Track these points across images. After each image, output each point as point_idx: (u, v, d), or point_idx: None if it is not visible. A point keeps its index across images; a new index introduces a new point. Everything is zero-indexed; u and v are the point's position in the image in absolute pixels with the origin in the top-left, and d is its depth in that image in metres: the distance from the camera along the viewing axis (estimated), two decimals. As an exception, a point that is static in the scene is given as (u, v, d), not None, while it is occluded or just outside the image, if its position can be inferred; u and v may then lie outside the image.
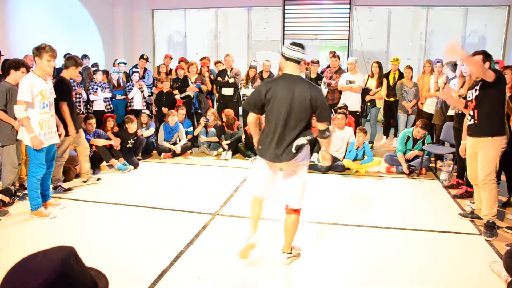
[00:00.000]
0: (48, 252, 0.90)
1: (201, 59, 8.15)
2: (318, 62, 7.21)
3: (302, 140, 2.83)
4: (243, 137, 6.72)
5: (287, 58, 2.86)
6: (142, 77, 7.84)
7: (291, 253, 3.09)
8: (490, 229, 3.58)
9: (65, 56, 7.35)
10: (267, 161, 2.91)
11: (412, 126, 6.42)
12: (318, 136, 2.94)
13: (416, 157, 5.64)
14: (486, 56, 3.68)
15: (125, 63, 8.00)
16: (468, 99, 3.81)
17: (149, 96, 7.85)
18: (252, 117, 2.96)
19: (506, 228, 3.69)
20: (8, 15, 7.41)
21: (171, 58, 8.63)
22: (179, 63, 8.32)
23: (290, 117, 2.79)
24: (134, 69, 7.67)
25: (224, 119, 6.87)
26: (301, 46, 2.87)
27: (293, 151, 2.82)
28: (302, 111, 2.80)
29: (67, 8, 8.83)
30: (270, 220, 3.96)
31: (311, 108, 2.81)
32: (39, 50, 3.76)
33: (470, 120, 3.76)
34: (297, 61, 2.87)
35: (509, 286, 2.66)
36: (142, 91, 7.35)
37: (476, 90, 3.67)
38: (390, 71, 7.44)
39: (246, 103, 2.96)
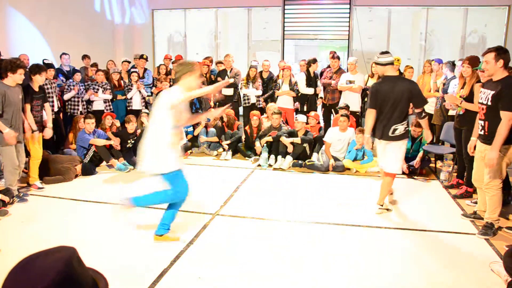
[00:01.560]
0: (50, 252, 0.90)
1: (204, 59, 8.18)
2: (315, 60, 7.21)
3: (398, 127, 3.88)
4: (243, 137, 6.71)
5: (384, 64, 3.91)
6: (142, 77, 7.84)
7: (382, 205, 4.13)
8: (486, 228, 3.58)
9: (61, 55, 7.37)
10: (377, 139, 4.03)
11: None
12: (417, 117, 4.18)
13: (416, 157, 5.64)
14: (499, 54, 3.35)
15: (129, 62, 8.01)
16: (480, 100, 3.59)
17: (148, 96, 7.85)
18: (371, 112, 3.99)
19: (506, 228, 3.69)
20: (7, 15, 7.40)
21: (171, 59, 8.63)
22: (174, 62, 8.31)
23: (389, 106, 3.85)
24: (133, 69, 7.67)
25: (225, 119, 6.87)
26: (387, 52, 4.00)
27: (390, 134, 3.89)
28: (400, 102, 3.84)
29: (66, 8, 8.82)
30: (271, 220, 3.96)
31: (408, 99, 3.85)
32: (190, 67, 3.23)
33: (480, 130, 3.61)
34: (392, 64, 3.95)
35: (509, 286, 2.66)
36: (140, 92, 7.36)
37: (488, 98, 3.46)
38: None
39: (368, 103, 4.05)
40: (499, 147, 3.32)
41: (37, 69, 4.62)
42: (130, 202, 3.31)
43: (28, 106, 4.55)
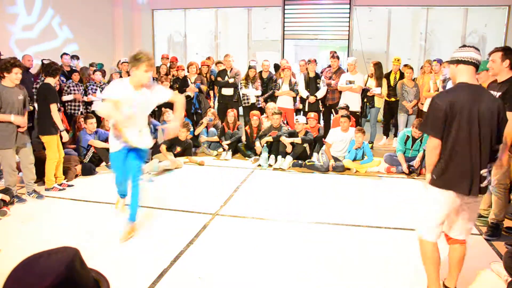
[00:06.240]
0: (53, 253, 0.90)
1: (206, 59, 8.22)
2: (315, 61, 7.17)
3: (487, 172, 2.39)
4: (243, 137, 6.71)
5: (458, 61, 2.42)
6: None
7: None
8: (492, 229, 3.56)
9: (62, 55, 7.37)
10: (457, 193, 2.38)
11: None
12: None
13: (416, 157, 5.64)
14: (506, 54, 3.28)
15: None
16: None
17: None
18: (434, 142, 2.38)
19: (506, 229, 3.68)
20: (6, 14, 7.40)
21: (168, 58, 8.64)
22: (171, 66, 8.33)
23: (475, 137, 2.30)
24: None
25: (231, 120, 6.79)
26: (473, 47, 2.44)
27: (482, 184, 2.37)
28: (492, 130, 2.32)
29: (66, 8, 8.82)
30: (271, 220, 3.96)
31: (498, 125, 2.34)
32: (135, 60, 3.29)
33: None
34: (472, 63, 2.37)
35: (509, 286, 2.66)
36: None
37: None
38: (391, 71, 7.44)
39: (424, 126, 2.48)
40: (508, 147, 3.17)
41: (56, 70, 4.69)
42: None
43: (54, 106, 4.58)
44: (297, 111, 7.43)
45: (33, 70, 6.73)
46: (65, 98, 6.60)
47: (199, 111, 7.45)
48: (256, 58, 10.13)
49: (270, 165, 5.98)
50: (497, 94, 3.33)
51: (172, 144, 6.07)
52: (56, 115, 4.63)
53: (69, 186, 4.90)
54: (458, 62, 2.42)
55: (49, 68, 4.64)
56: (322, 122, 7.41)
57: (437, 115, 2.34)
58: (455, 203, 2.42)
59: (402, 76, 7.27)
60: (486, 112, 2.30)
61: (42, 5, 8.17)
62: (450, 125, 2.32)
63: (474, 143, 2.31)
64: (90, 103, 6.94)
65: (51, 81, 4.64)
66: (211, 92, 7.91)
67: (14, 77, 4.08)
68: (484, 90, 2.48)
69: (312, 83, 6.98)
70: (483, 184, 2.38)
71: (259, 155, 6.22)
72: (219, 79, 7.42)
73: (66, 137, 4.94)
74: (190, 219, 3.96)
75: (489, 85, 3.62)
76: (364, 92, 7.13)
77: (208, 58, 8.49)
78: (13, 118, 4.11)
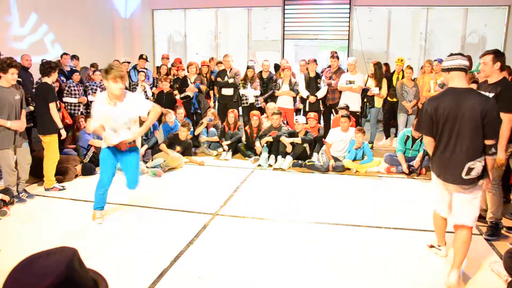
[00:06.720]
0: (51, 253, 0.90)
1: (210, 59, 8.25)
2: (315, 61, 7.14)
3: (476, 164, 2.66)
4: (244, 137, 6.71)
5: (448, 69, 2.76)
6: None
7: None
8: (492, 229, 3.56)
9: (62, 55, 7.36)
10: (442, 181, 2.85)
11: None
12: (484, 153, 2.72)
13: (416, 157, 5.64)
14: (497, 56, 3.42)
15: (129, 62, 8.00)
16: None
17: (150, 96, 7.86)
18: (427, 139, 2.91)
19: (507, 228, 3.69)
20: (6, 13, 7.39)
21: (168, 58, 8.64)
22: (173, 65, 8.35)
23: (461, 135, 2.66)
24: (140, 69, 7.69)
25: (231, 121, 6.79)
26: (459, 54, 2.81)
27: (464, 176, 2.68)
28: (474, 128, 2.63)
29: (66, 7, 8.81)
30: (271, 220, 3.96)
31: (482, 123, 2.62)
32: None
33: None
34: (461, 69, 2.72)
35: (509, 286, 2.66)
36: (145, 92, 7.36)
37: None
38: (394, 72, 7.43)
39: (418, 127, 3.00)
40: (504, 147, 3.41)
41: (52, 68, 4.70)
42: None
43: (53, 105, 4.57)
44: (297, 111, 7.43)
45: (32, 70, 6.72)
46: (69, 100, 6.58)
47: (199, 111, 7.45)
48: (255, 58, 10.13)
49: (270, 165, 5.98)
50: (489, 94, 3.42)
51: (171, 143, 6.07)
52: (56, 114, 4.61)
53: (60, 190, 4.83)
54: (449, 70, 2.79)
55: (43, 68, 4.62)
56: (322, 122, 7.41)
57: (426, 118, 2.84)
58: (444, 187, 2.91)
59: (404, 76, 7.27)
60: (468, 111, 2.64)
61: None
62: (437, 124, 2.78)
63: (456, 138, 2.70)
64: (90, 103, 6.93)
65: (48, 80, 4.62)
66: (211, 92, 7.91)
67: (10, 77, 4.04)
68: (471, 92, 2.75)
69: (312, 83, 6.96)
70: (471, 176, 2.69)
71: (259, 155, 6.22)
72: (219, 79, 7.42)
73: (64, 134, 4.93)
74: (190, 219, 3.96)
75: (479, 85, 3.74)
76: (364, 92, 7.12)
77: (212, 59, 8.49)
78: (10, 123, 4.09)
